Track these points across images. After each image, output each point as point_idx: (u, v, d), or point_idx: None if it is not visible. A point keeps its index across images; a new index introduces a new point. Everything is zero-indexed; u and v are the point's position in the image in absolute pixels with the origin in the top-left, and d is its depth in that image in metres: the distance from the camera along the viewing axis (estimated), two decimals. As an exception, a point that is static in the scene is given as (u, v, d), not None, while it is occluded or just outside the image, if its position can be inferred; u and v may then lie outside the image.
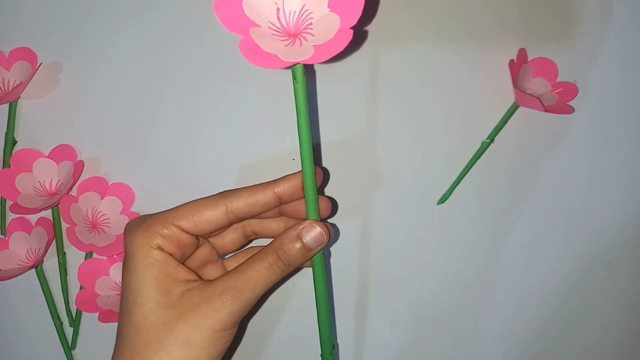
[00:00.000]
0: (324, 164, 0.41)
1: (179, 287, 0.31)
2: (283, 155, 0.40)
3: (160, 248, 0.32)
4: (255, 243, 0.39)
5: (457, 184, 0.40)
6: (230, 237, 0.37)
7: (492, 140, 0.40)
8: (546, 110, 0.38)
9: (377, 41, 0.40)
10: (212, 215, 0.32)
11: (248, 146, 0.41)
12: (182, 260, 0.34)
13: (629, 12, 0.40)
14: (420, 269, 0.41)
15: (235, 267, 0.32)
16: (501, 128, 0.40)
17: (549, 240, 0.42)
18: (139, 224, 0.32)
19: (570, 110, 0.39)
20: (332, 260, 0.42)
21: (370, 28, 0.39)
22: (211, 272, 0.36)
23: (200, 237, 0.35)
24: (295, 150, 0.40)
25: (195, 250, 0.35)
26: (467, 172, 0.40)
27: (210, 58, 0.40)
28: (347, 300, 0.42)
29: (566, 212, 0.42)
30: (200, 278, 0.32)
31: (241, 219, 0.34)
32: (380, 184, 0.41)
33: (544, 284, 0.42)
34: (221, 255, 0.37)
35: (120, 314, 0.32)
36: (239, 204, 0.33)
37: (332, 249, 0.42)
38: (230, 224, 0.34)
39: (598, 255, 0.42)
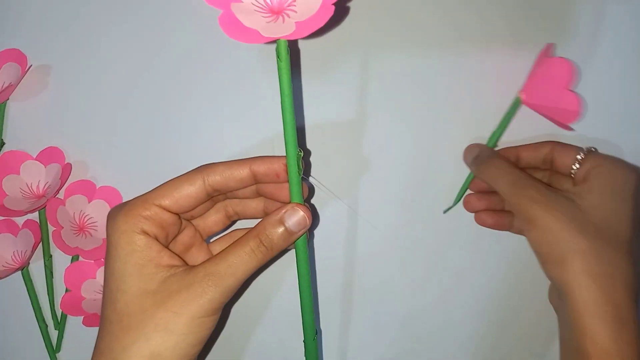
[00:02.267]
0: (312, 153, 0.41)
1: (161, 273, 0.31)
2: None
3: (143, 232, 0.32)
4: (238, 225, 0.39)
5: (465, 189, 0.41)
6: (212, 218, 0.37)
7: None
8: (549, 116, 0.38)
9: (368, 39, 0.40)
10: (191, 190, 0.33)
11: (238, 147, 0.41)
12: (167, 242, 0.34)
13: (623, 20, 0.40)
14: (406, 256, 0.42)
15: (217, 254, 0.32)
16: (502, 132, 0.39)
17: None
18: (119, 209, 0.32)
19: (568, 128, 0.38)
20: (316, 247, 0.42)
21: (361, 26, 0.39)
22: (196, 255, 0.36)
23: (184, 219, 0.35)
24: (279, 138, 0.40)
25: (178, 232, 0.35)
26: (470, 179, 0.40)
27: (198, 61, 0.40)
28: (332, 287, 0.42)
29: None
30: (185, 263, 0.33)
31: (219, 192, 0.34)
32: (366, 171, 0.41)
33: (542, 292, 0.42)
34: (206, 239, 0.37)
35: (104, 301, 0.32)
36: (216, 177, 0.33)
37: (317, 235, 0.41)
38: (209, 197, 0.34)
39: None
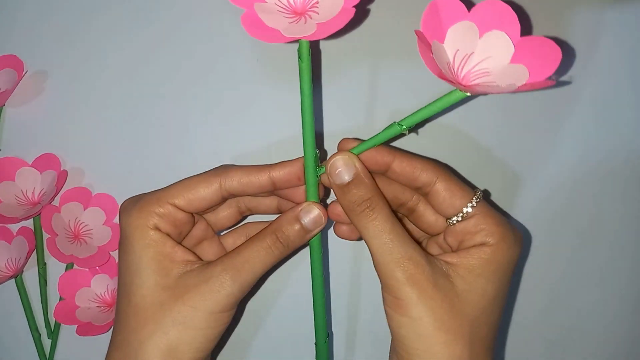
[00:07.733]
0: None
1: (177, 268, 0.31)
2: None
3: (156, 228, 0.32)
4: (250, 218, 0.39)
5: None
6: (224, 214, 0.37)
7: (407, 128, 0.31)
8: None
9: (379, 45, 0.40)
10: (206, 193, 0.33)
11: (237, 154, 0.40)
12: (180, 239, 0.34)
13: (620, 24, 0.40)
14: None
15: (234, 249, 0.32)
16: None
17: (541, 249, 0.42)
18: (133, 203, 0.33)
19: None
20: (330, 248, 0.41)
21: (379, 28, 0.39)
22: (208, 249, 0.36)
23: (195, 214, 0.35)
24: (287, 142, 0.40)
25: (191, 228, 0.35)
26: None
27: (196, 68, 0.39)
28: (342, 291, 0.42)
29: (561, 217, 0.42)
30: (199, 258, 0.33)
31: (235, 196, 0.34)
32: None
33: (534, 286, 0.42)
34: (217, 232, 0.37)
35: (118, 295, 0.32)
36: (233, 184, 0.33)
37: (329, 239, 0.41)
38: (224, 200, 0.34)
39: (597, 256, 0.43)
